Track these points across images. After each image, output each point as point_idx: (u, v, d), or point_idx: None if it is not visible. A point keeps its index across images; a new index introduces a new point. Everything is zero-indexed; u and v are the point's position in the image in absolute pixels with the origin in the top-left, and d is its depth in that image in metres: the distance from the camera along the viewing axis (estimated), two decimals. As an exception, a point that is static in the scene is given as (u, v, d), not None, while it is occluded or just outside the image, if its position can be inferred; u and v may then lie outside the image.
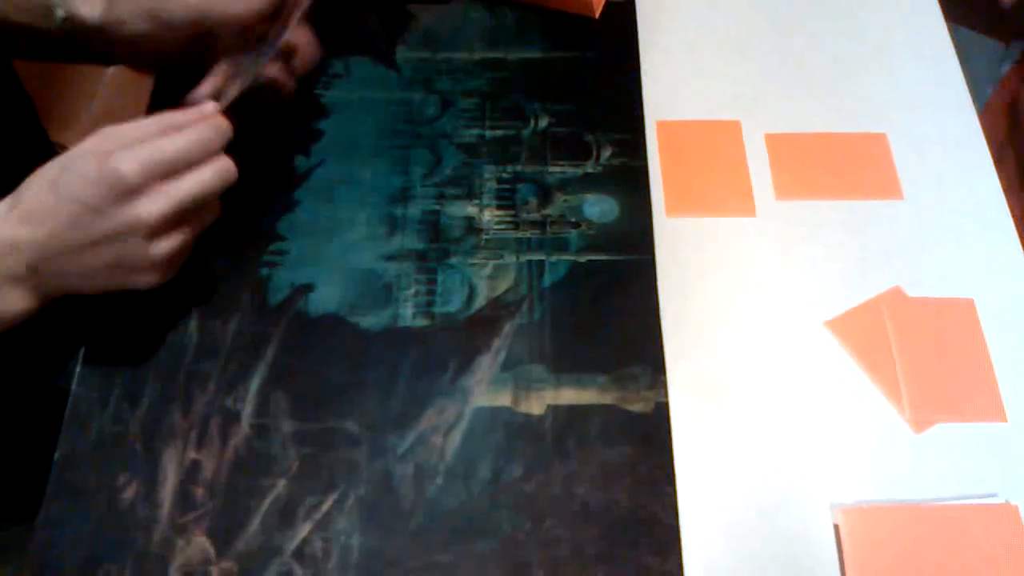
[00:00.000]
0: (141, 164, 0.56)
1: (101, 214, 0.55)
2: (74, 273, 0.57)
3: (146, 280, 0.59)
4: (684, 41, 0.84)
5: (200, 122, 0.60)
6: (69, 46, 0.68)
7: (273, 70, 0.70)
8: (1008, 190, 0.76)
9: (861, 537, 0.59)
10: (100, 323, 0.66)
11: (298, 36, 0.69)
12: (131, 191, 0.56)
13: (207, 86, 0.66)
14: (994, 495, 0.61)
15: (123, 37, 0.65)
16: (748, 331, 0.68)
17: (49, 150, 0.82)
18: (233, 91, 0.65)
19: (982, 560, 0.58)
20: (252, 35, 0.66)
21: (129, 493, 0.59)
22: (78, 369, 0.64)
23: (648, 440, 0.63)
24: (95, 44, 0.66)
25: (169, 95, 0.67)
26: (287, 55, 0.71)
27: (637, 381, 0.65)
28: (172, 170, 0.57)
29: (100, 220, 0.55)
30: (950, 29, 0.86)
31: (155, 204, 0.56)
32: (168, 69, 0.67)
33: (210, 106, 0.62)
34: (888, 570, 0.58)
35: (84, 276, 0.57)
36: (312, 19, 0.71)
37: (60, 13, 0.65)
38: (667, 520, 0.60)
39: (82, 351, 0.65)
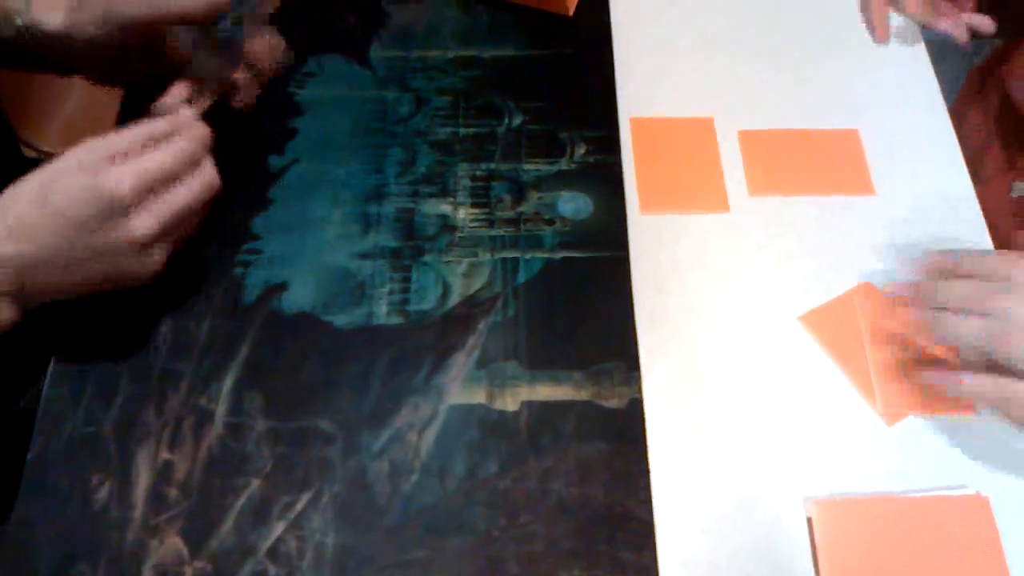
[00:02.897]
0: (133, 181, 0.56)
1: (93, 232, 0.55)
2: (61, 285, 0.57)
3: (132, 285, 0.59)
4: (658, 38, 0.84)
5: (182, 132, 0.60)
6: (28, 55, 0.68)
7: (239, 74, 0.70)
8: (978, 185, 0.77)
9: (833, 529, 0.60)
10: (73, 323, 0.65)
11: (264, 40, 0.68)
12: (124, 208, 0.56)
13: (178, 90, 0.66)
14: (964, 486, 0.62)
15: (81, 45, 0.64)
16: (722, 327, 0.69)
17: (19, 157, 0.81)
18: (205, 97, 0.65)
19: (954, 551, 0.59)
20: (211, 35, 0.66)
21: (102, 493, 0.59)
22: (50, 369, 0.64)
23: (623, 436, 0.63)
24: (55, 53, 0.65)
25: (141, 97, 0.67)
26: (253, 58, 0.70)
27: (612, 377, 0.65)
28: (161, 184, 0.58)
29: (92, 237, 0.55)
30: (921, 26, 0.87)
31: (147, 220, 0.57)
32: (132, 78, 0.67)
33: (188, 113, 0.62)
34: (860, 561, 0.59)
35: (71, 287, 0.57)
36: (280, 20, 0.70)
37: (18, 21, 0.65)
38: (642, 515, 0.60)
39: (54, 351, 0.64)
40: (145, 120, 0.60)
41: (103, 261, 0.56)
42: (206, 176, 0.60)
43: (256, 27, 0.66)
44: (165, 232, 0.58)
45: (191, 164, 0.59)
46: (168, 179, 0.58)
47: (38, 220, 0.55)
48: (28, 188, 0.56)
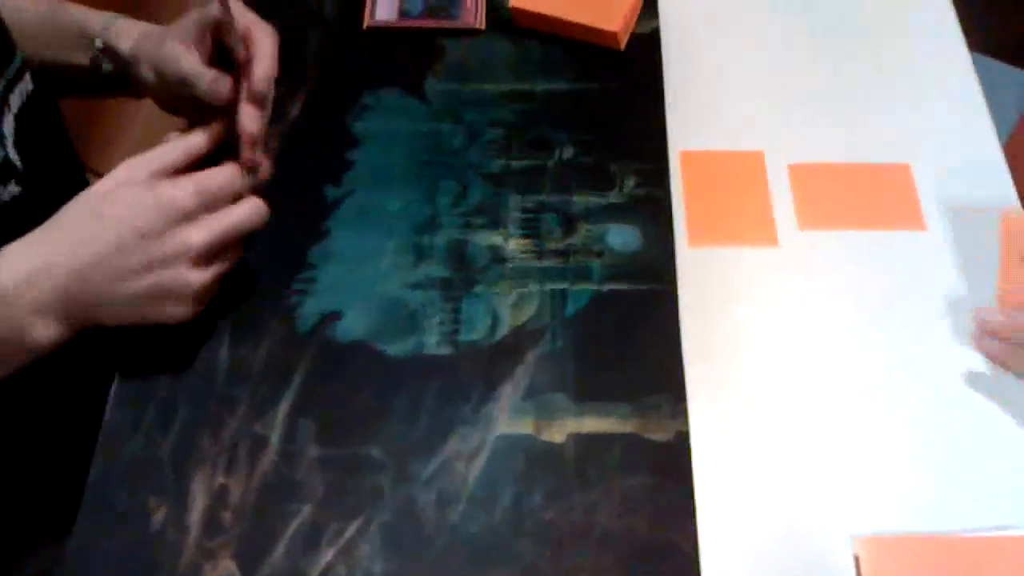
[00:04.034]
0: (193, 192, 0.59)
1: (152, 239, 0.58)
2: (109, 303, 0.59)
3: (178, 313, 0.61)
4: (708, 72, 0.85)
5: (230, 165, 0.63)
6: (102, 80, 0.71)
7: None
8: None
9: (881, 568, 0.59)
10: (134, 348, 0.67)
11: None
12: (184, 217, 0.58)
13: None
14: (1015, 527, 0.61)
15: (141, 77, 0.69)
16: (769, 361, 0.69)
17: (83, 180, 0.84)
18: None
19: (1003, 593, 0.59)
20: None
21: (159, 516, 0.61)
22: (112, 393, 0.66)
23: (669, 469, 0.63)
24: (126, 78, 0.69)
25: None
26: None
27: (658, 410, 0.65)
28: (217, 202, 0.61)
29: (150, 245, 0.58)
30: (974, 59, 0.87)
31: (203, 231, 0.59)
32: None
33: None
34: (907, 602, 0.59)
35: (119, 305, 0.59)
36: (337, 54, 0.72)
37: (98, 43, 0.69)
38: (687, 549, 0.60)
39: (116, 376, 0.66)
40: (181, 134, 0.63)
41: (156, 272, 0.59)
42: (256, 203, 0.63)
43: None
44: (218, 248, 0.61)
45: (243, 190, 0.63)
46: (223, 198, 0.61)
47: (96, 231, 0.57)
48: (83, 202, 0.59)
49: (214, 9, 0.65)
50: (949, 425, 0.66)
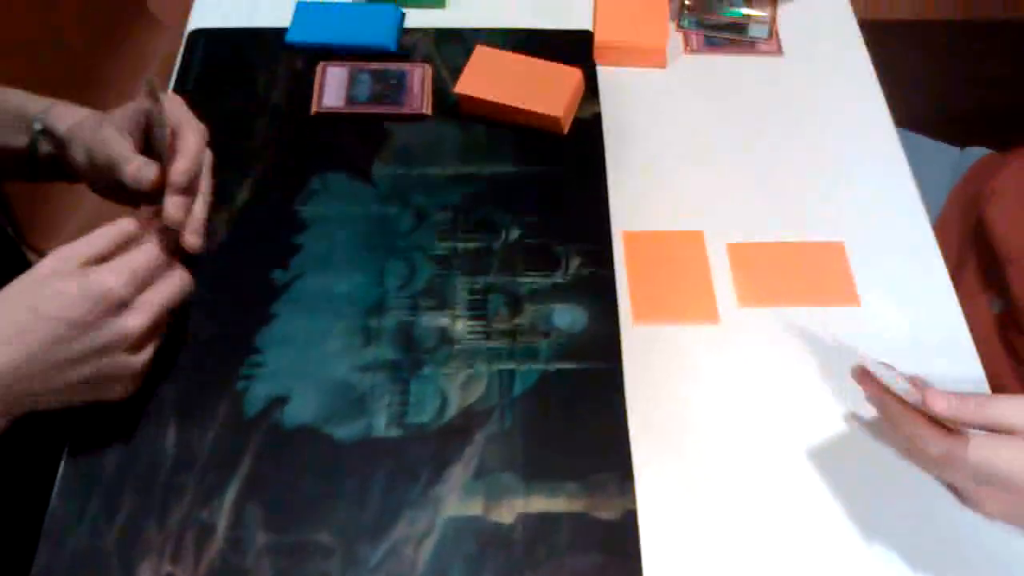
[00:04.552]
0: (124, 278, 0.59)
1: (89, 329, 0.58)
2: (48, 391, 0.59)
3: (118, 392, 0.62)
4: (648, 155, 0.88)
5: (152, 234, 0.64)
6: (40, 163, 0.74)
7: None
8: (962, 295, 0.79)
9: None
10: (78, 436, 0.67)
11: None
12: (119, 304, 0.59)
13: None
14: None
15: (75, 160, 0.71)
16: (714, 436, 0.70)
17: (22, 262, 0.84)
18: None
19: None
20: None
21: (104, 609, 0.60)
22: (57, 482, 0.65)
23: (617, 547, 0.64)
24: (72, 160, 0.71)
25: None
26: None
27: (606, 488, 0.66)
28: (147, 281, 0.61)
29: (87, 336, 0.58)
30: (903, 137, 0.90)
31: (140, 316, 0.60)
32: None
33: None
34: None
35: (58, 392, 0.60)
36: (286, 139, 0.73)
37: (36, 126, 0.72)
38: (636, 628, 0.61)
39: (61, 466, 0.66)
40: (107, 225, 0.63)
41: (95, 360, 0.59)
42: (182, 274, 0.64)
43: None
44: (154, 328, 0.61)
45: (166, 262, 0.63)
46: (151, 277, 0.61)
47: (29, 325, 0.57)
48: (15, 295, 0.59)
49: (147, 101, 0.67)
50: (893, 499, 0.67)
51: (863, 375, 0.66)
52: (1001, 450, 0.58)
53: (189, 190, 0.67)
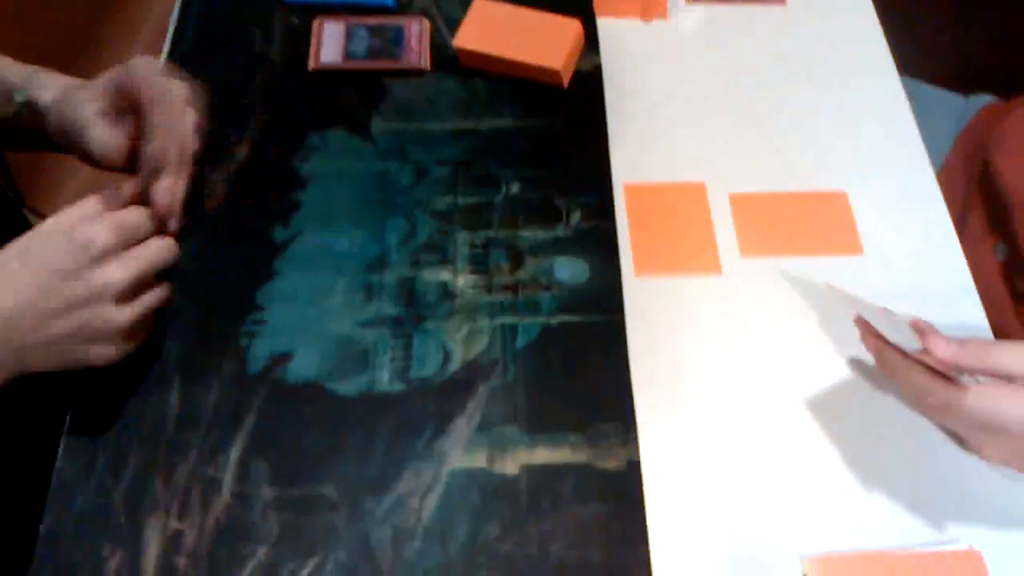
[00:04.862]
0: (106, 231, 0.60)
1: (73, 278, 0.59)
2: (35, 345, 0.59)
3: (106, 352, 0.61)
4: (649, 107, 0.87)
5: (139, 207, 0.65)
6: (28, 134, 0.72)
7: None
8: (966, 242, 0.79)
9: (829, 587, 0.61)
10: (83, 396, 0.67)
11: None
12: (101, 255, 0.59)
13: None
14: (956, 541, 0.63)
15: (52, 129, 0.70)
16: (716, 386, 0.70)
17: (23, 224, 0.85)
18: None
19: (948, 607, 0.60)
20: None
21: (113, 564, 0.60)
22: (63, 441, 0.66)
23: (621, 497, 0.64)
24: (51, 132, 0.70)
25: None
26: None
27: (609, 439, 0.66)
28: (133, 239, 0.62)
29: (71, 284, 0.59)
30: (907, 86, 0.89)
31: (122, 268, 0.60)
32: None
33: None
34: (856, 619, 0.60)
35: (47, 347, 0.59)
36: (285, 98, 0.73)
37: (19, 97, 0.70)
38: (641, 575, 0.61)
39: (67, 424, 0.66)
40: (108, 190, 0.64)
41: (80, 311, 0.59)
42: (169, 241, 0.64)
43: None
44: (139, 284, 0.62)
45: (155, 229, 0.64)
46: (138, 237, 0.62)
47: (18, 275, 0.58)
48: (12, 248, 0.60)
49: (129, 68, 0.67)
50: (893, 445, 0.67)
51: (862, 325, 0.66)
52: (1001, 398, 0.58)
53: (159, 170, 0.67)
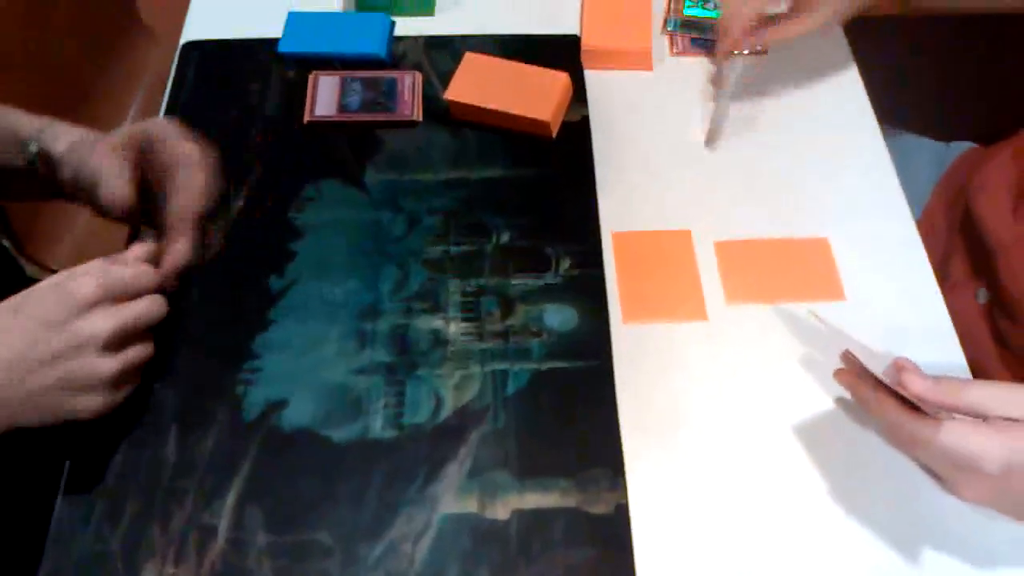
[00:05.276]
0: (95, 285, 0.62)
1: (59, 328, 0.60)
2: (24, 396, 0.60)
3: (93, 403, 0.63)
4: (637, 156, 0.89)
5: (137, 262, 0.67)
6: (40, 183, 0.74)
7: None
8: (949, 287, 0.80)
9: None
10: (81, 445, 0.68)
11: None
12: (87, 307, 0.61)
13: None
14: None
15: (65, 179, 0.71)
16: (703, 431, 0.72)
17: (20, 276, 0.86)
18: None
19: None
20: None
21: (110, 610, 0.61)
22: (61, 490, 0.67)
23: (609, 541, 0.65)
24: (63, 181, 0.71)
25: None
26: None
27: (598, 483, 0.68)
28: (120, 295, 0.63)
29: (56, 335, 0.60)
30: (888, 134, 0.92)
31: (108, 320, 0.62)
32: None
33: (147, 248, 0.69)
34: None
35: (34, 398, 0.61)
36: (282, 149, 0.75)
37: (33, 148, 0.72)
38: (629, 619, 0.62)
39: (65, 472, 0.67)
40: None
41: (66, 361, 0.61)
42: (157, 299, 0.66)
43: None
44: (122, 338, 0.63)
45: (145, 287, 0.66)
46: (128, 292, 0.64)
47: (10, 326, 0.60)
48: (8, 303, 0.62)
49: (148, 128, 0.69)
50: (877, 486, 0.69)
51: (847, 359, 0.68)
52: (972, 435, 0.60)
53: (182, 228, 0.69)
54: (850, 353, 0.68)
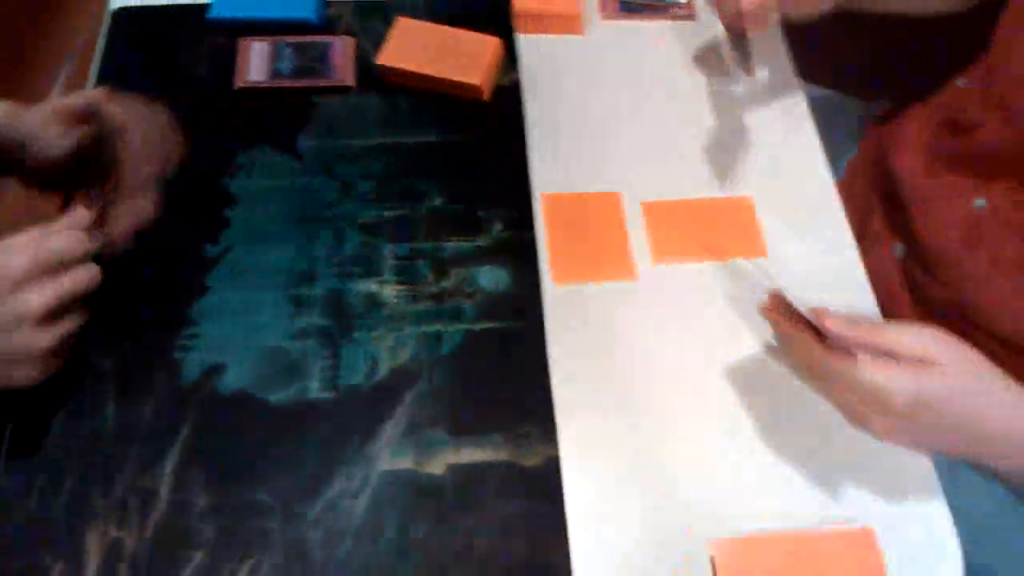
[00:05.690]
0: (25, 261, 0.62)
1: None
2: None
3: (28, 374, 0.63)
4: (568, 119, 0.91)
5: (71, 231, 0.66)
6: None
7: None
8: (868, 244, 0.84)
9: (733, 566, 0.65)
10: (20, 414, 0.69)
11: (136, 209, 0.74)
12: (19, 283, 0.61)
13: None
14: (853, 520, 0.68)
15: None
16: (631, 385, 0.74)
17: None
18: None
19: (844, 580, 0.65)
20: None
21: (56, 574, 0.63)
22: (2, 460, 0.68)
23: (541, 492, 0.68)
24: None
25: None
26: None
27: (529, 438, 0.70)
28: (52, 268, 0.63)
29: None
30: (809, 94, 0.95)
31: (41, 295, 0.62)
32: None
33: (82, 214, 0.67)
34: (760, 597, 0.65)
35: None
36: (213, 117, 0.76)
37: None
38: (561, 565, 0.65)
39: (5, 443, 0.68)
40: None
41: (1, 336, 0.61)
42: (90, 269, 0.66)
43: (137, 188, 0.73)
44: (56, 311, 0.63)
45: (77, 257, 0.65)
46: (57, 267, 0.64)
47: None
48: None
49: (91, 95, 0.69)
50: (795, 433, 0.72)
51: (774, 299, 0.71)
52: (883, 370, 0.63)
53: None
54: (779, 292, 0.71)
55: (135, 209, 0.71)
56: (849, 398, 0.67)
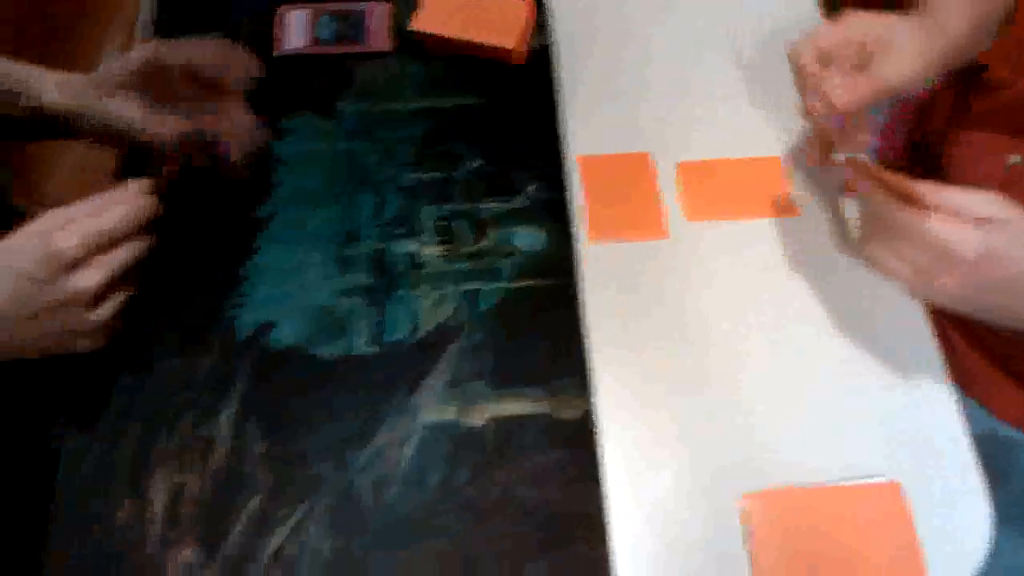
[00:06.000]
0: (77, 240, 0.63)
1: (44, 287, 0.62)
2: (19, 342, 0.64)
3: (87, 344, 0.66)
4: (599, 82, 0.93)
5: (127, 201, 0.66)
6: (35, 127, 0.76)
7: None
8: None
9: (763, 518, 0.68)
10: (85, 373, 0.74)
11: (240, 125, 0.78)
12: (71, 264, 0.62)
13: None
14: (880, 475, 0.71)
15: (83, 131, 0.74)
16: (664, 341, 0.77)
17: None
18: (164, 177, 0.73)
19: (870, 534, 0.68)
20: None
21: (124, 515, 0.68)
22: (65, 416, 0.72)
23: (577, 443, 0.71)
24: (59, 125, 0.74)
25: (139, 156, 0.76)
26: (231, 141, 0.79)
27: (566, 391, 0.74)
28: (104, 245, 0.64)
29: (44, 293, 0.62)
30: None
31: (92, 276, 0.63)
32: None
33: (134, 187, 0.68)
34: (787, 546, 0.67)
35: (29, 344, 0.64)
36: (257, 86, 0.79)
37: (23, 101, 0.74)
38: (595, 513, 0.69)
39: (72, 398, 0.73)
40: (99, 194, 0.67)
41: (55, 315, 0.63)
42: (140, 241, 0.67)
43: (229, 108, 0.76)
44: (107, 288, 0.65)
45: (131, 228, 0.66)
46: (110, 241, 0.65)
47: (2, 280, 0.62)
48: None
49: (149, 51, 0.72)
50: (824, 389, 0.75)
51: (850, 164, 0.72)
52: (955, 223, 0.63)
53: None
54: (857, 156, 0.72)
55: (239, 128, 0.76)
56: (918, 257, 0.65)
